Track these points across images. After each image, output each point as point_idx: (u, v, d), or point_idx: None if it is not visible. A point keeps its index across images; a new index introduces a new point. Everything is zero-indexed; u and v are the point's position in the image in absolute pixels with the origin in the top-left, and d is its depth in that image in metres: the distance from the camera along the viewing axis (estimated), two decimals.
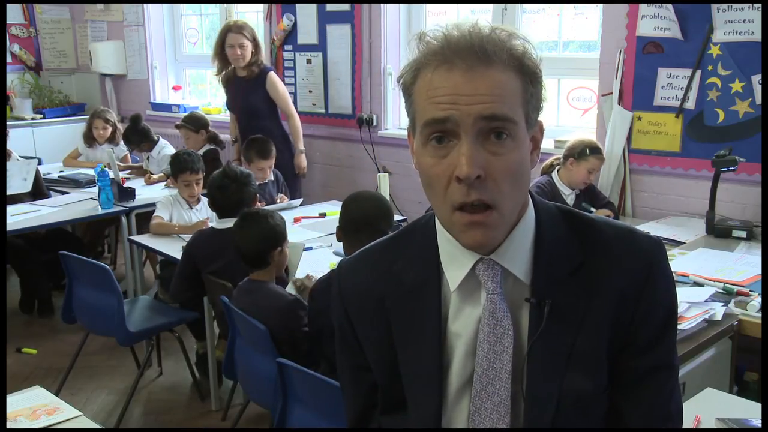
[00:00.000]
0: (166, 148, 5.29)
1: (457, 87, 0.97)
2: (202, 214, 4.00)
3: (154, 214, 3.90)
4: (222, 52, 4.65)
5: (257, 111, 4.68)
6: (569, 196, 3.68)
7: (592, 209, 3.60)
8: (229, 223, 3.22)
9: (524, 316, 1.07)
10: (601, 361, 1.06)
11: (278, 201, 4.26)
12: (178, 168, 4.02)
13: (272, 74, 4.68)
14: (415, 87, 1.02)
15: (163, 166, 5.19)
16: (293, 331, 2.64)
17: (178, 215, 3.95)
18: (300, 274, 3.05)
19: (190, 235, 3.41)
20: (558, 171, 3.72)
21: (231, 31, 4.59)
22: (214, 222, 3.36)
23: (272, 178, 4.37)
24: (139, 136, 5.26)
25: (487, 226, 1.00)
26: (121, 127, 5.48)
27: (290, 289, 2.94)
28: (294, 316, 2.66)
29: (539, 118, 1.06)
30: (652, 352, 1.08)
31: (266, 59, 5.04)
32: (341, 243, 2.68)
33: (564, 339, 1.05)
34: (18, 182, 4.54)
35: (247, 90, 4.68)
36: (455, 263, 1.08)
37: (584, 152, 3.59)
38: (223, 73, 4.78)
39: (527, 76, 1.00)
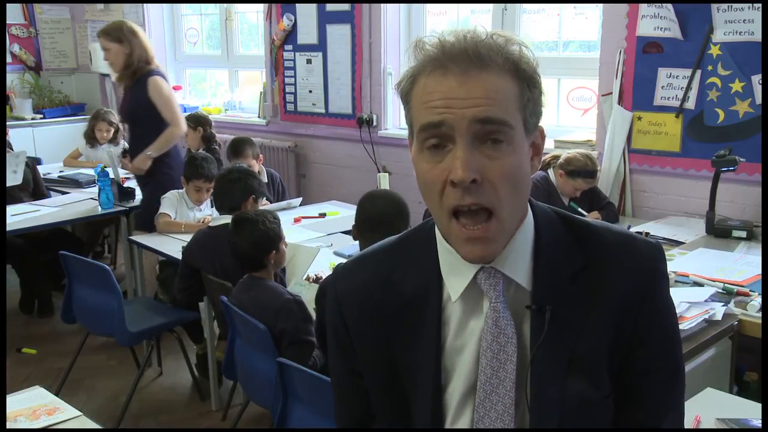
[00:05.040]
0: None
1: (452, 91, 0.96)
2: (205, 213, 3.99)
3: (159, 212, 3.83)
4: None
5: (138, 119, 4.11)
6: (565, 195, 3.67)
7: (584, 213, 3.57)
8: (222, 219, 3.25)
9: (527, 323, 1.07)
10: (603, 366, 1.05)
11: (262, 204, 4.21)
12: (193, 173, 3.89)
13: (156, 78, 4.01)
14: (413, 93, 1.02)
15: None
16: (283, 330, 2.58)
17: (183, 214, 3.93)
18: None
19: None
20: (555, 169, 3.69)
21: (98, 37, 4.07)
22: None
23: (266, 180, 4.35)
24: None
25: (488, 240, 0.99)
26: (122, 128, 5.47)
27: (294, 287, 2.94)
28: (286, 316, 2.59)
29: (540, 124, 1.05)
30: (664, 356, 1.08)
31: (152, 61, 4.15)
32: (352, 243, 2.68)
33: (566, 344, 1.04)
34: (8, 175, 4.49)
35: (129, 96, 4.12)
36: (456, 273, 1.07)
37: (575, 174, 3.59)
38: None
39: (524, 80, 0.99)
